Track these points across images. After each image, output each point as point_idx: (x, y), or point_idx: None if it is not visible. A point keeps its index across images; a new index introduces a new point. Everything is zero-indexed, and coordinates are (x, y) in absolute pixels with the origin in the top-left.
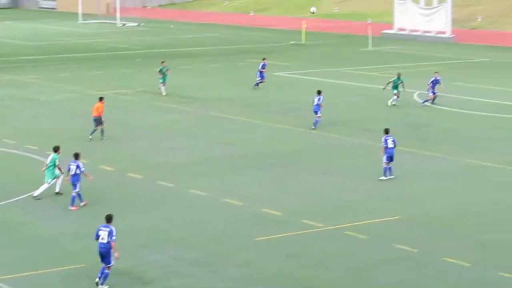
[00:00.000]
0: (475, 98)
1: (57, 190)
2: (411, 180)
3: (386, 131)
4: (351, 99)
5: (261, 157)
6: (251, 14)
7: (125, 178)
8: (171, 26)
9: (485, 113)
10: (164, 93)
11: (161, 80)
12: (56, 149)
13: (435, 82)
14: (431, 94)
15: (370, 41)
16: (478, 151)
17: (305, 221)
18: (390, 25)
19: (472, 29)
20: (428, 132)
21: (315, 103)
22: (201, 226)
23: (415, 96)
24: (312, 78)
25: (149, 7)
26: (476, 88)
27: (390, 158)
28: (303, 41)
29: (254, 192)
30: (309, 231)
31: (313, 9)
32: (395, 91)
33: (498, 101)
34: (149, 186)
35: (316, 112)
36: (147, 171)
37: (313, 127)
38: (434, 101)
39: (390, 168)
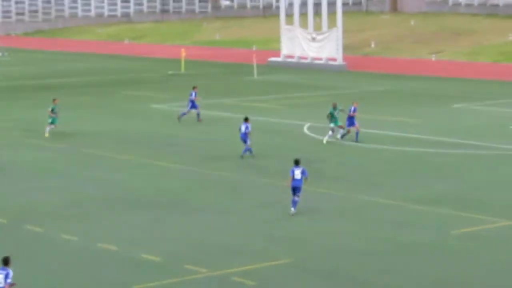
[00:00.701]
0: (368, 130)
1: None
2: (304, 219)
3: (296, 162)
4: (236, 133)
5: (138, 197)
6: (126, 42)
7: None
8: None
9: (378, 146)
10: (46, 135)
11: (50, 120)
12: None
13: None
14: (355, 125)
15: (255, 70)
16: (373, 187)
17: (188, 266)
18: (277, 52)
19: (366, 55)
20: (321, 168)
21: (242, 131)
22: (73, 274)
23: (305, 129)
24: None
25: (13, 35)
26: (368, 119)
27: (296, 190)
28: (182, 71)
29: (131, 235)
30: (192, 277)
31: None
32: (332, 125)
33: (391, 133)
34: (14, 231)
35: (245, 141)
36: (12, 214)
37: (244, 154)
38: (345, 136)
39: (295, 202)
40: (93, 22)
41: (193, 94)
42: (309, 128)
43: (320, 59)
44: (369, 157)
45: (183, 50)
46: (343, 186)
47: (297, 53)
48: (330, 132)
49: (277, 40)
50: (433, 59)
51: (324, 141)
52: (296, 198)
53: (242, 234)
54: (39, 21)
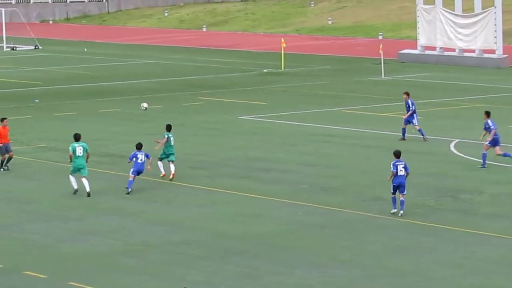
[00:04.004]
0: None
1: None
2: (453, 272)
3: (397, 155)
4: (357, 153)
5: (223, 242)
6: (204, 30)
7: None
8: (85, 49)
9: None
10: None
11: None
12: None
13: None
14: None
15: (382, 66)
16: None
17: None
18: (411, 42)
19: None
20: (473, 200)
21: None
22: None
23: (452, 148)
24: (298, 123)
25: (50, 22)
26: None
27: (401, 188)
28: (282, 69)
29: None
30: None
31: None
32: None
33: None
34: None
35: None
36: (51, 266)
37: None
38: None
39: (402, 202)
40: (158, 3)
41: (409, 103)
42: (457, 146)
43: (472, 51)
44: None
45: (282, 40)
46: (506, 226)
47: (440, 43)
48: None
49: (412, 25)
50: None
51: None
52: (402, 198)
53: None
54: (84, 2)
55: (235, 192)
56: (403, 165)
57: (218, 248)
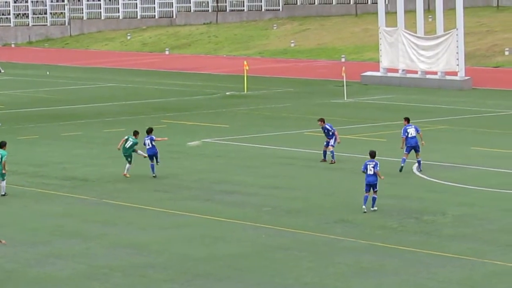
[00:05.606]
0: (498, 170)
1: None
2: None
3: (371, 155)
4: (320, 175)
5: (188, 265)
6: (167, 53)
7: None
8: (47, 72)
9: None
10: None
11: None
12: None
13: None
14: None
15: (345, 89)
16: (509, 249)
17: None
18: (374, 64)
19: (497, 67)
20: (436, 222)
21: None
22: None
23: (414, 169)
24: (261, 145)
25: (13, 46)
26: (500, 154)
27: (373, 187)
28: (245, 91)
29: None
30: None
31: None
32: None
33: None
34: None
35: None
36: None
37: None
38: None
39: (374, 199)
40: (121, 26)
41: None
42: (420, 168)
43: (435, 73)
44: (498, 204)
45: (245, 63)
46: (469, 247)
47: (402, 65)
48: None
49: (374, 47)
50: None
51: None
52: (374, 195)
53: None
54: (47, 25)
55: (198, 215)
56: (372, 165)
57: (183, 271)
